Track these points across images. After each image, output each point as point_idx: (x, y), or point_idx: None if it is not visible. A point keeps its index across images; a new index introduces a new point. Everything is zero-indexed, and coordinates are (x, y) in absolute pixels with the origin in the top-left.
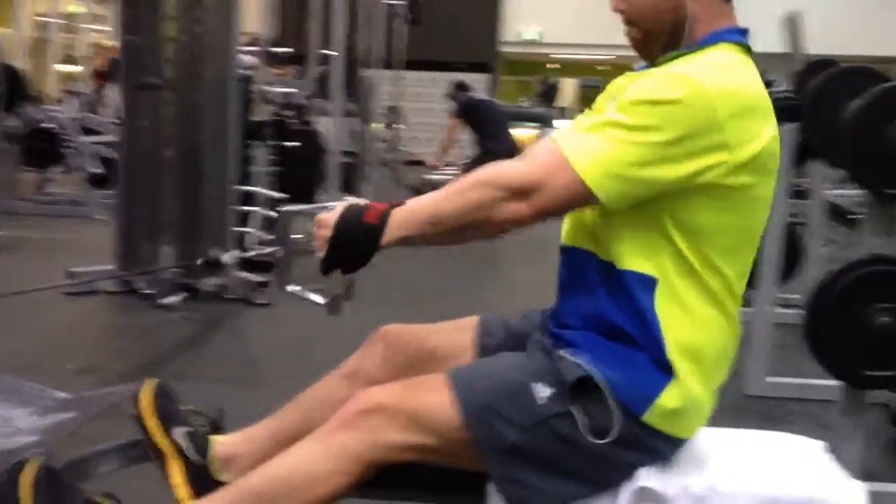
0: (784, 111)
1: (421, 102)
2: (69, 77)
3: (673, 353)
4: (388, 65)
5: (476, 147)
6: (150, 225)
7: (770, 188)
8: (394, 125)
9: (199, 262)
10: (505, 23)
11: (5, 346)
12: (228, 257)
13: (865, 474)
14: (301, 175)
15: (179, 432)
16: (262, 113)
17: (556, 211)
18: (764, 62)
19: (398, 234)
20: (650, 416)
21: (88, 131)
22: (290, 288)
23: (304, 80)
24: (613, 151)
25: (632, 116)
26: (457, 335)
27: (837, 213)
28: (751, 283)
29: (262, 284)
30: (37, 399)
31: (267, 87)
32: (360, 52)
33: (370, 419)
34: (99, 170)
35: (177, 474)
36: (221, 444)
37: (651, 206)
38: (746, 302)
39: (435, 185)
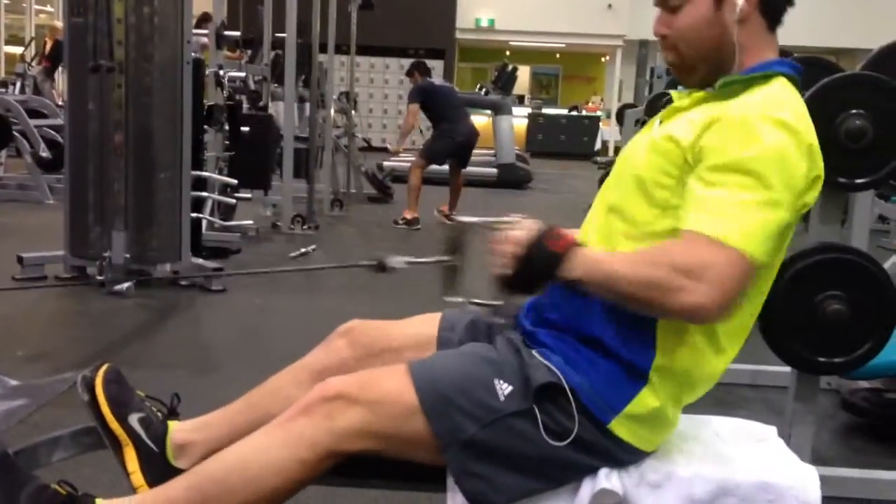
0: None
1: (376, 88)
2: (19, 59)
3: (656, 371)
4: (342, 50)
5: (433, 130)
6: (100, 210)
7: None
8: (348, 111)
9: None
10: (460, 9)
11: None
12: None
13: (817, 459)
14: (255, 160)
15: (134, 419)
16: (214, 97)
17: (735, 295)
18: None
19: (576, 275)
20: (616, 425)
21: (36, 114)
22: (451, 298)
23: (257, 64)
24: (761, 218)
25: (758, 178)
26: (421, 330)
27: None
28: None
29: (217, 270)
30: None
31: (219, 71)
32: (314, 36)
33: (328, 406)
34: (46, 154)
35: (132, 461)
36: (178, 430)
37: None
38: None
39: (393, 171)
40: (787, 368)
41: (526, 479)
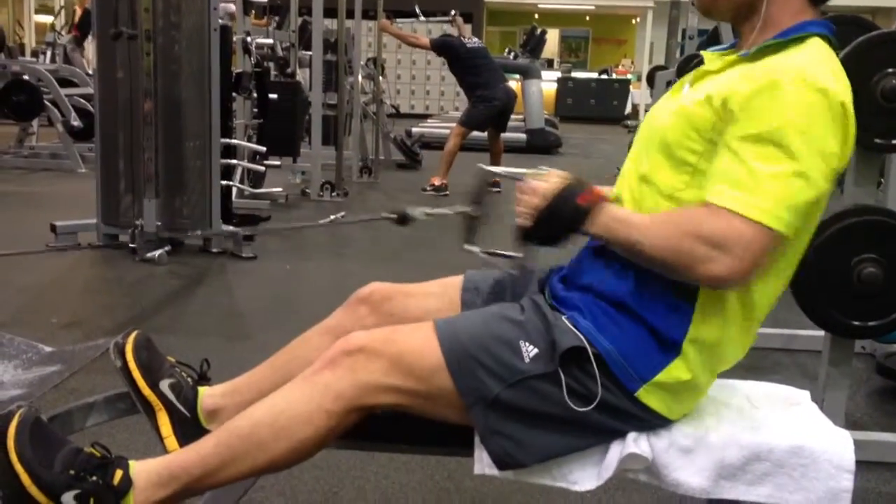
0: None
1: (403, 54)
2: (49, 28)
3: (690, 342)
4: (369, 15)
5: (468, 97)
6: (131, 179)
7: None
8: (376, 77)
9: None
10: None
11: None
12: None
13: (851, 423)
14: (283, 128)
15: (165, 384)
16: (242, 64)
17: (758, 266)
18: None
19: (598, 232)
20: (643, 394)
21: (66, 83)
22: (470, 247)
23: (284, 31)
24: (785, 189)
25: (786, 149)
26: (443, 294)
27: None
28: None
29: (248, 238)
30: (21, 353)
31: (247, 38)
32: (340, 2)
33: (351, 359)
34: (77, 122)
35: (166, 426)
36: (208, 395)
37: None
38: None
39: (422, 137)
40: (821, 332)
41: (552, 439)
